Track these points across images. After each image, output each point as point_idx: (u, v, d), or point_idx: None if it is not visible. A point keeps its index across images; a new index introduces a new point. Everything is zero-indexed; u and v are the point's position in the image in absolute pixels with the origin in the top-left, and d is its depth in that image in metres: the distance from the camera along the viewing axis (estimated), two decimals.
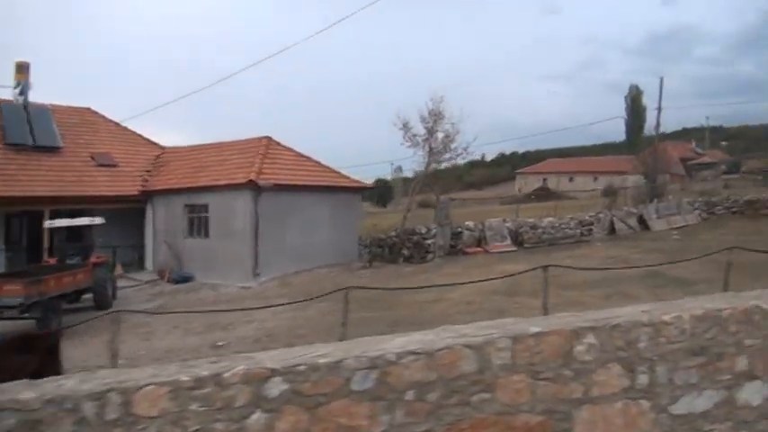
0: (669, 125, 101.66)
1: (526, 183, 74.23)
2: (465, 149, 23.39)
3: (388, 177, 71.49)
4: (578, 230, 23.82)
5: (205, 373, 2.75)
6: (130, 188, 24.15)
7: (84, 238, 18.56)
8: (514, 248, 21.98)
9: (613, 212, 25.18)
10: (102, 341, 9.77)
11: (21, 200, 21.03)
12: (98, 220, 18.70)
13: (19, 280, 14.21)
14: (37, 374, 3.20)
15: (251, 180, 20.76)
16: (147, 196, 24.25)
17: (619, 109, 75.84)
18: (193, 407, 2.69)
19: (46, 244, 20.11)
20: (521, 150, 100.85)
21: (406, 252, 21.86)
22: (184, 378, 2.70)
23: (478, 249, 21.94)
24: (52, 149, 23.48)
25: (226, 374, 2.75)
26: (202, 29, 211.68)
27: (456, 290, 13.67)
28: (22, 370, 4.52)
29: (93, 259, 17.46)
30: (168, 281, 21.55)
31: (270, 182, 21.05)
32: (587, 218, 24.48)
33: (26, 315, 13.85)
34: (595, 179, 62.81)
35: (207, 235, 22.37)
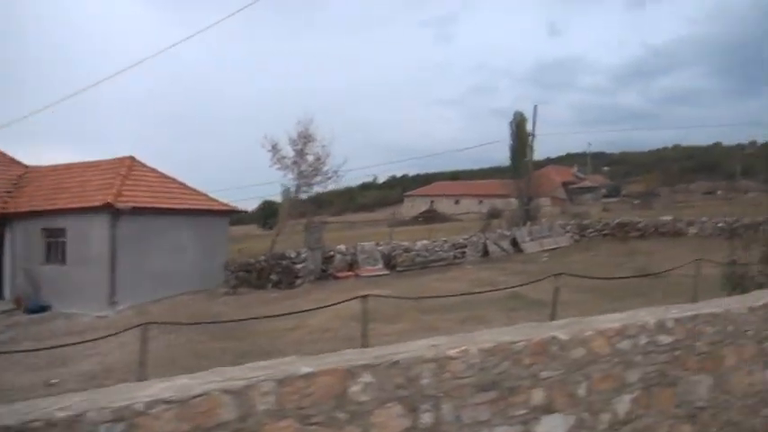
0: (554, 150, 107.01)
1: (414, 205, 75.39)
2: (335, 172, 23.21)
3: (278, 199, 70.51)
4: (452, 253, 24.11)
5: None
6: None
7: None
8: (386, 272, 21.89)
9: (487, 235, 25.74)
10: None
11: None
12: None
13: None
14: None
15: (108, 203, 19.67)
16: (4, 220, 22.46)
17: (505, 134, 78.72)
18: None
19: None
20: (412, 173, 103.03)
21: (274, 277, 21.24)
22: None
23: (350, 274, 21.66)
24: None
25: None
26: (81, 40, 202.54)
27: (316, 316, 13.35)
28: None
29: None
30: (24, 311, 20.13)
31: (129, 205, 20.03)
32: (461, 241, 24.87)
33: None
34: (480, 202, 64.61)
35: (64, 261, 21.07)
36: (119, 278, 19.93)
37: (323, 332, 12.33)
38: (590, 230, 28.57)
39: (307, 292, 18.75)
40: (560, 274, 9.36)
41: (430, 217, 56.30)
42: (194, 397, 2.80)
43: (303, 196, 23.93)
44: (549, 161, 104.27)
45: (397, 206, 79.17)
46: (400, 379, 3.25)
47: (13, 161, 25.98)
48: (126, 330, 10.34)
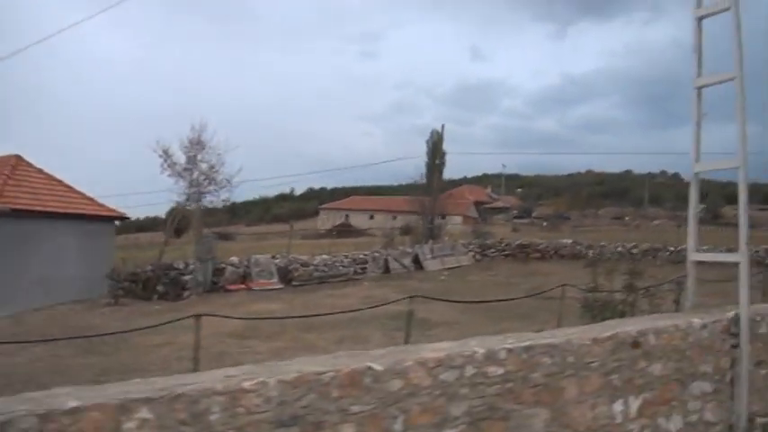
0: (471, 170, 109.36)
1: (328, 218, 75.11)
2: (229, 182, 22.53)
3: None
4: (352, 269, 23.85)
5: None
6: None
7: None
8: (281, 286, 21.33)
9: (389, 252, 25.62)
10: None
11: None
12: None
13: None
14: None
15: None
16: None
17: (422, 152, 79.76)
18: None
19: None
20: (330, 186, 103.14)
21: (161, 288, 20.27)
22: None
23: (241, 287, 20.97)
24: None
25: None
26: None
27: (193, 331, 12.73)
28: None
29: None
30: None
31: (7, 206, 18.74)
32: (362, 256, 24.65)
33: None
34: (394, 218, 64.88)
35: None
36: None
37: (192, 349, 11.67)
38: (492, 250, 28.96)
39: (191, 305, 17.94)
40: (415, 296, 9.12)
41: (344, 231, 56.03)
42: None
43: (193, 205, 22.96)
44: (465, 180, 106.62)
45: (314, 219, 78.68)
46: (184, 414, 2.85)
47: None
48: None
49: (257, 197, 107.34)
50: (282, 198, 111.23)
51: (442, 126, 38.33)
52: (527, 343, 4.06)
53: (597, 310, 6.80)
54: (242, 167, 23.70)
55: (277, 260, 22.59)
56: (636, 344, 4.63)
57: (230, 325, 12.47)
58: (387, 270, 24.72)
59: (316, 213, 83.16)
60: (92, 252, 21.16)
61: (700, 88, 5.83)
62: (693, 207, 5.89)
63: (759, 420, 5.82)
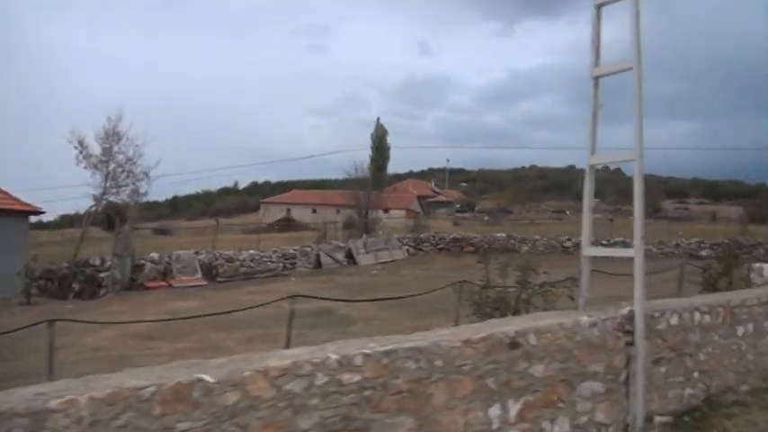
0: (417, 164, 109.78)
1: (269, 212, 74.21)
2: (146, 174, 21.76)
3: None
4: (281, 264, 23.38)
5: None
6: None
7: None
8: (204, 283, 20.74)
9: (320, 247, 25.23)
10: None
11: None
12: None
13: None
14: None
15: None
16: None
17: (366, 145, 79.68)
18: None
19: None
20: (274, 180, 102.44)
21: (76, 286, 19.39)
22: None
23: (162, 284, 20.27)
24: None
25: None
26: None
27: (99, 332, 12.15)
28: None
29: None
30: None
31: None
32: (291, 251, 24.19)
33: None
34: (338, 212, 64.41)
35: None
36: None
37: (94, 351, 11.11)
38: (426, 244, 28.88)
39: (106, 304, 17.21)
40: (296, 296, 8.80)
41: (287, 225, 55.37)
42: None
43: (112, 199, 22.09)
44: (411, 175, 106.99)
45: (255, 213, 77.60)
46: None
47: None
48: None
49: (200, 191, 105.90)
50: (226, 192, 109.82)
51: (378, 119, 37.85)
52: (389, 347, 3.76)
53: (490, 308, 6.56)
54: (160, 160, 22.80)
55: (201, 256, 21.99)
56: (514, 344, 4.39)
57: (140, 324, 11.94)
58: (318, 265, 24.34)
59: (258, 208, 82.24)
60: (4, 249, 20.09)
61: (597, 78, 5.65)
62: (588, 200, 5.71)
63: (658, 419, 5.69)
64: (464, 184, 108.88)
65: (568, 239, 28.26)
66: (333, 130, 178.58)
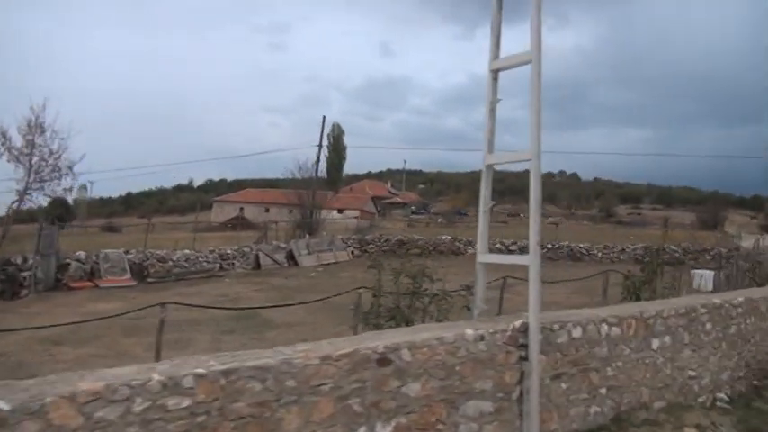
0: (375, 165, 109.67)
1: (223, 210, 73.12)
2: (70, 169, 20.97)
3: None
4: (217, 264, 22.79)
5: None
6: None
7: None
8: (133, 283, 20.02)
9: (260, 247, 24.68)
10: None
11: None
12: None
13: None
14: None
15: None
16: None
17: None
18: None
19: None
20: (230, 178, 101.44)
21: None
22: None
23: (87, 284, 19.48)
24: None
25: None
26: None
27: (12, 335, 11.49)
28: None
29: None
30: None
31: None
32: (229, 251, 23.61)
33: None
34: (290, 211, 63.68)
35: None
36: None
37: None
38: (371, 246, 28.58)
39: (24, 305, 16.43)
40: (166, 303, 8.37)
41: (240, 224, 54.58)
42: None
43: (36, 195, 21.19)
44: (369, 175, 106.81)
45: (209, 211, 76.34)
46: None
47: None
48: None
49: (154, 188, 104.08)
50: (180, 189, 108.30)
51: (323, 118, 37.34)
52: (228, 365, 3.38)
53: (384, 319, 6.20)
54: (85, 154, 21.85)
55: (131, 255, 21.23)
56: (384, 361, 4.03)
57: (52, 327, 11.30)
58: (257, 266, 23.80)
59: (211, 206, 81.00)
60: None
61: (496, 71, 5.36)
62: (484, 203, 5.40)
63: None
64: (421, 186, 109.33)
65: (514, 243, 28.29)
66: (293, 129, 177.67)
